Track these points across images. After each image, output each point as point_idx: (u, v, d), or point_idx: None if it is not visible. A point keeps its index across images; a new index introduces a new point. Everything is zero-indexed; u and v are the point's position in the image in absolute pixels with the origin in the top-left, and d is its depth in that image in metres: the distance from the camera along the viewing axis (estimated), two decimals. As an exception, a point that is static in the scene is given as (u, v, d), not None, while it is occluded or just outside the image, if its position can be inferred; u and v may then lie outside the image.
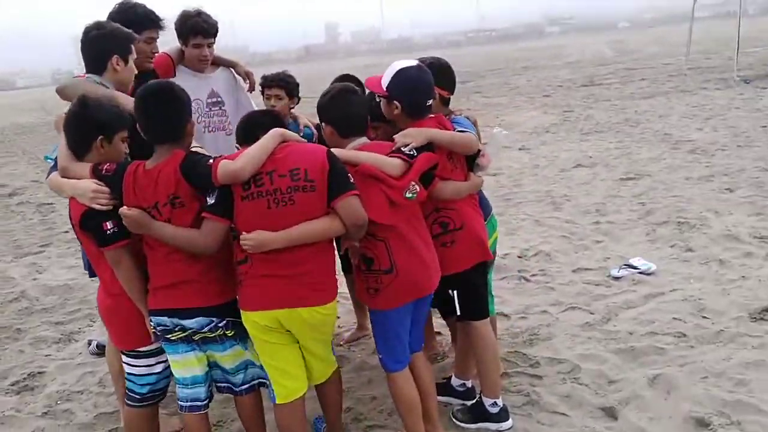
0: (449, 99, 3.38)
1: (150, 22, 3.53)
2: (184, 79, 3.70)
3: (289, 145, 2.69)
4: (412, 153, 2.86)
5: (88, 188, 2.63)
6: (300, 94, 4.01)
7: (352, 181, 2.67)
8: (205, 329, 2.71)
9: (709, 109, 13.11)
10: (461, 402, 3.49)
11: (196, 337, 2.73)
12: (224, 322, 2.73)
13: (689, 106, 13.72)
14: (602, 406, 3.40)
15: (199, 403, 2.89)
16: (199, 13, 3.84)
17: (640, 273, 5.13)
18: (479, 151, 3.28)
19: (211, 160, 2.58)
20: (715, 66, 20.75)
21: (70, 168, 2.75)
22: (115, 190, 2.64)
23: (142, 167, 2.65)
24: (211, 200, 2.57)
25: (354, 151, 2.87)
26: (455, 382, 3.57)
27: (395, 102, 3.01)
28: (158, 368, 2.95)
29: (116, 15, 3.42)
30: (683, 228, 6.15)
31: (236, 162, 2.57)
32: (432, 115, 3.11)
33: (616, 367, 3.76)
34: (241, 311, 2.72)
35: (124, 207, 2.59)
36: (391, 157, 2.84)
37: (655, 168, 8.73)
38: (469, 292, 3.17)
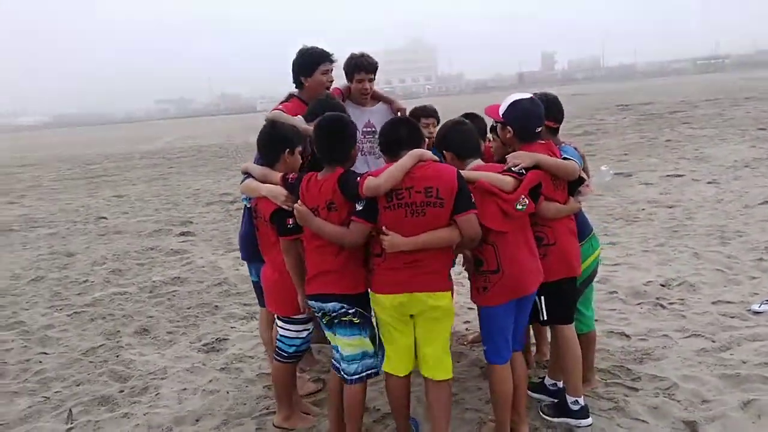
0: (557, 129, 3.84)
1: (322, 57, 4.37)
2: (347, 111, 4.57)
3: (427, 165, 3.26)
4: (521, 172, 3.38)
5: (282, 193, 3.48)
6: None
7: (473, 200, 3.23)
8: (337, 312, 3.38)
9: None
10: (551, 399, 3.88)
11: (337, 320, 3.39)
12: (353, 309, 3.38)
13: None
14: (686, 420, 3.59)
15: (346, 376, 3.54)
16: (362, 55, 4.66)
17: (784, 309, 5.03)
18: (583, 180, 3.71)
19: (359, 177, 3.26)
20: None
21: (271, 176, 3.62)
22: (295, 193, 3.44)
23: (314, 177, 3.43)
24: (359, 207, 3.24)
25: (475, 172, 3.43)
26: (548, 381, 3.97)
27: (509, 127, 3.58)
28: (303, 334, 3.77)
29: (299, 59, 4.36)
30: None
31: (377, 179, 3.21)
32: (542, 142, 3.61)
33: (716, 389, 3.89)
34: (372, 294, 3.37)
35: (298, 202, 3.39)
36: (504, 175, 3.39)
37: None
38: (553, 300, 3.59)
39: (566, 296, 3.63)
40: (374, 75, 4.68)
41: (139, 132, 59.65)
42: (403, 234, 3.16)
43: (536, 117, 3.57)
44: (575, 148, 3.81)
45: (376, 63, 4.69)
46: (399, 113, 4.82)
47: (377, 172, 3.24)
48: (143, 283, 7.38)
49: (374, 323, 3.45)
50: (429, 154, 3.30)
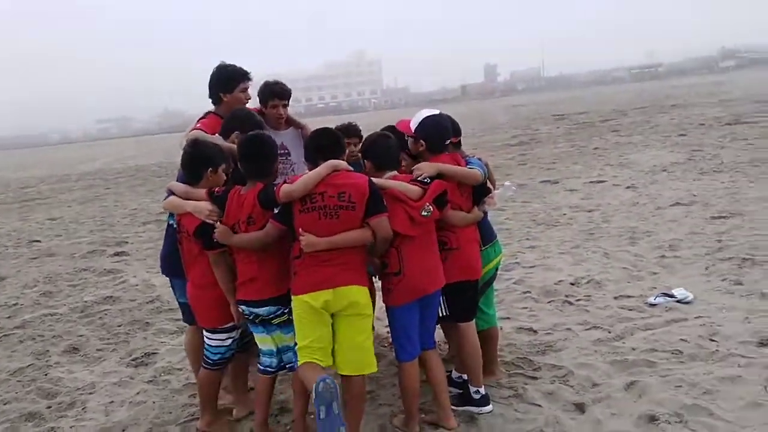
0: (459, 142, 4.20)
1: (241, 76, 4.56)
2: None
3: (341, 173, 3.55)
4: (425, 181, 3.69)
5: (206, 208, 3.68)
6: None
7: (384, 204, 3.53)
8: (273, 315, 3.65)
9: None
10: (458, 390, 4.18)
11: (275, 322, 3.67)
12: (287, 309, 3.65)
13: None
14: (575, 402, 3.95)
15: (269, 369, 3.83)
16: (276, 82, 4.86)
17: (676, 301, 5.47)
18: (489, 191, 4.06)
19: (275, 185, 3.55)
20: None
21: (192, 192, 3.83)
22: (221, 206, 3.66)
23: (238, 192, 3.68)
24: (276, 211, 3.53)
25: (386, 180, 3.73)
26: (454, 374, 4.29)
27: (421, 140, 3.89)
28: (227, 342, 3.95)
29: (216, 76, 4.53)
30: (745, 264, 6.31)
31: (292, 185, 3.49)
32: (448, 153, 3.94)
33: (605, 374, 4.27)
34: (293, 296, 3.57)
35: (218, 224, 3.62)
36: (411, 184, 3.69)
37: (754, 208, 8.68)
38: (453, 300, 3.90)
39: (465, 297, 3.93)
40: (288, 101, 4.92)
41: (77, 153, 58.32)
42: (318, 235, 3.42)
43: (445, 130, 3.94)
44: (479, 159, 4.15)
45: (290, 90, 4.91)
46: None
47: (293, 180, 3.52)
48: (74, 303, 7.41)
49: None
50: (344, 164, 3.58)
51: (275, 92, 4.78)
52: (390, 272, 3.65)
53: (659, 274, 6.37)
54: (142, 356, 5.56)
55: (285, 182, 3.56)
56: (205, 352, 3.99)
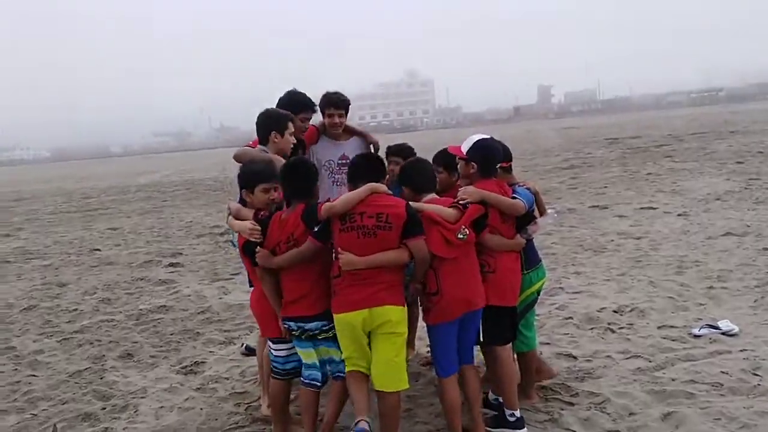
0: (510, 167, 4.32)
1: (305, 106, 4.90)
2: (323, 145, 5.12)
3: (380, 196, 3.73)
4: (465, 205, 3.83)
5: (247, 226, 3.89)
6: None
7: (422, 227, 3.68)
8: (320, 330, 3.84)
9: None
10: (493, 412, 4.25)
11: (320, 337, 3.86)
12: (332, 324, 3.81)
13: None
14: (610, 430, 3.98)
15: (316, 383, 4.00)
16: (335, 93, 5.13)
17: (721, 333, 5.42)
18: (534, 218, 4.17)
19: (317, 204, 3.76)
20: None
21: (241, 212, 4.07)
22: (263, 229, 3.86)
23: (280, 216, 3.89)
24: (316, 229, 3.72)
25: (425, 204, 3.88)
26: (491, 396, 4.36)
27: (472, 163, 4.03)
28: (294, 350, 4.08)
29: (283, 100, 4.85)
30: (797, 298, 6.19)
31: (332, 203, 3.70)
32: (496, 180, 4.07)
33: (642, 403, 4.27)
34: (335, 315, 3.75)
35: (258, 248, 3.83)
36: (450, 207, 3.83)
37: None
38: (490, 324, 3.99)
39: (501, 321, 4.02)
40: (345, 111, 5.13)
41: (136, 165, 60.30)
42: (357, 254, 3.59)
43: (496, 153, 4.10)
44: (528, 189, 4.25)
45: (347, 100, 5.17)
46: (372, 146, 5.27)
47: (333, 200, 3.73)
48: (130, 311, 7.76)
49: None
50: (383, 188, 3.76)
51: (332, 101, 5.03)
52: (429, 292, 3.78)
53: (706, 305, 6.30)
54: (192, 365, 5.81)
55: (327, 201, 3.76)
56: (273, 363, 4.16)
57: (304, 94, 5.03)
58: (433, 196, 3.96)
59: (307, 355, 3.98)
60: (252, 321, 6.91)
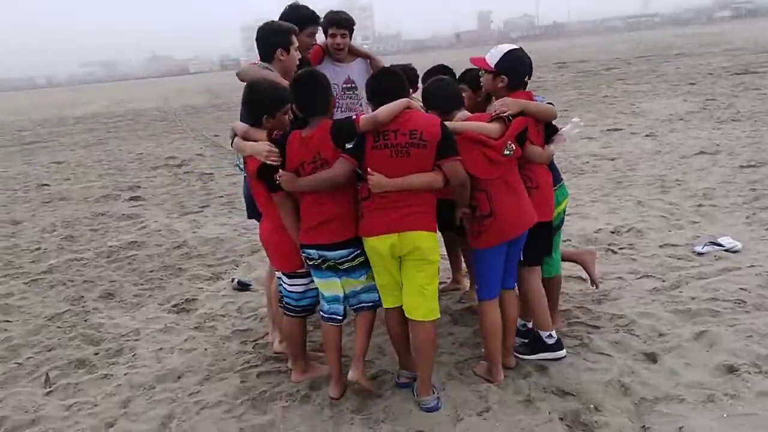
0: (527, 82, 4.02)
1: (311, 20, 4.39)
2: (326, 68, 4.62)
3: (412, 112, 3.41)
4: (509, 118, 3.55)
5: (263, 149, 3.50)
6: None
7: (456, 148, 3.37)
8: (344, 259, 3.52)
9: None
10: (521, 339, 4.11)
11: (343, 267, 3.55)
12: (358, 251, 3.53)
13: None
14: (645, 351, 3.88)
15: (337, 317, 3.72)
16: (338, 12, 4.67)
17: (724, 250, 5.40)
18: (557, 129, 3.90)
19: (353, 116, 3.40)
20: None
21: (251, 133, 3.65)
22: (281, 150, 3.50)
23: (299, 134, 3.51)
24: (349, 146, 3.38)
25: (460, 122, 3.57)
26: (518, 323, 4.20)
27: (502, 76, 3.69)
28: (312, 285, 3.80)
29: (286, 14, 4.33)
30: (788, 213, 6.24)
31: (375, 114, 3.35)
32: (522, 91, 3.77)
33: (670, 324, 4.20)
34: (363, 238, 3.49)
35: (280, 170, 3.45)
36: (491, 122, 3.53)
37: (782, 156, 8.59)
38: (533, 242, 3.78)
39: (541, 239, 3.84)
40: (348, 31, 4.69)
41: (67, 97, 57.24)
42: (389, 176, 3.30)
43: (527, 66, 3.75)
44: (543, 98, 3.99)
45: (351, 19, 4.72)
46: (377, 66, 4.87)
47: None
48: (99, 248, 7.28)
49: None
50: (416, 104, 3.44)
51: (334, 20, 4.59)
52: (481, 215, 3.52)
53: (700, 222, 6.28)
54: (183, 302, 5.46)
55: (360, 114, 3.42)
56: (286, 299, 3.85)
57: (308, 7, 4.54)
58: (465, 113, 3.66)
59: (329, 286, 3.69)
60: (236, 255, 6.59)
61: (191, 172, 11.64)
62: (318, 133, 3.42)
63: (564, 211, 4.19)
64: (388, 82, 3.49)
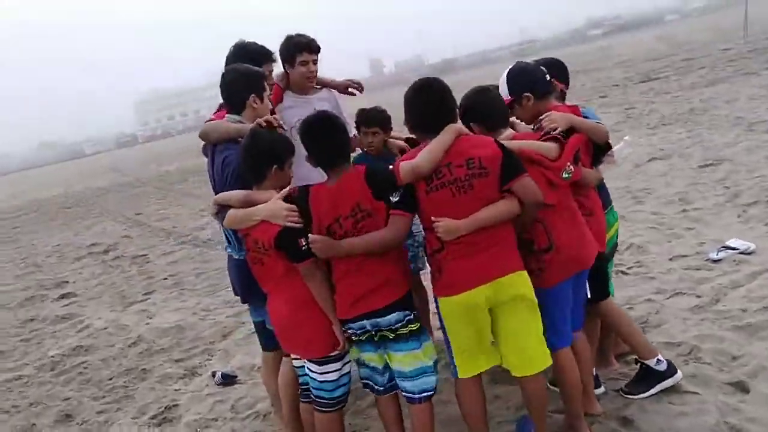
0: (565, 93, 3.57)
1: (265, 57, 3.77)
2: (289, 104, 4.05)
3: (462, 139, 2.89)
4: (562, 135, 3.05)
5: (282, 208, 2.88)
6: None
7: (522, 164, 2.87)
8: (400, 323, 2.91)
9: (776, 87, 12.78)
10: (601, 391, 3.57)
11: (394, 335, 2.92)
12: (412, 315, 2.94)
13: (756, 88, 13.39)
14: (730, 382, 3.42)
15: (378, 388, 3.13)
16: (300, 34, 4.05)
17: (740, 253, 5.10)
18: (609, 147, 3.44)
19: (390, 166, 2.85)
20: (775, 45, 20.17)
21: (256, 196, 3.01)
22: (302, 210, 2.89)
23: (324, 187, 2.93)
24: (395, 198, 2.81)
25: (514, 141, 3.05)
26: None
27: (525, 95, 3.21)
28: (346, 370, 3.17)
29: (236, 55, 3.69)
30: (775, 206, 6.06)
31: (414, 161, 2.80)
32: (567, 104, 3.34)
33: (736, 344, 3.77)
34: (444, 299, 2.91)
35: (312, 235, 2.85)
36: (545, 140, 3.03)
37: (732, 152, 8.59)
38: (598, 275, 3.32)
39: (603, 270, 3.40)
40: (318, 55, 4.10)
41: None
42: (454, 215, 2.79)
43: (535, 68, 3.32)
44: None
45: (318, 45, 4.13)
46: (351, 90, 4.32)
47: (409, 157, 2.85)
48: (39, 361, 6.23)
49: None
50: (465, 129, 2.95)
51: (304, 45, 3.95)
52: (539, 249, 3.00)
53: (695, 228, 6.00)
54: (162, 411, 4.59)
55: (401, 160, 2.88)
56: (316, 392, 3.16)
57: (255, 43, 3.91)
58: (510, 132, 3.16)
59: (374, 358, 3.08)
60: (205, 343, 5.78)
61: (122, 257, 10.59)
62: (351, 182, 2.86)
63: (616, 236, 3.75)
64: (428, 103, 2.94)
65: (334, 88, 4.31)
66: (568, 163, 2.99)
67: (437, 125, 2.89)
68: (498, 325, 2.93)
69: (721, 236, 5.56)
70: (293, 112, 3.99)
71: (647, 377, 3.43)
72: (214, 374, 4.96)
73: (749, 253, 5.08)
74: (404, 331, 2.92)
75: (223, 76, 3.39)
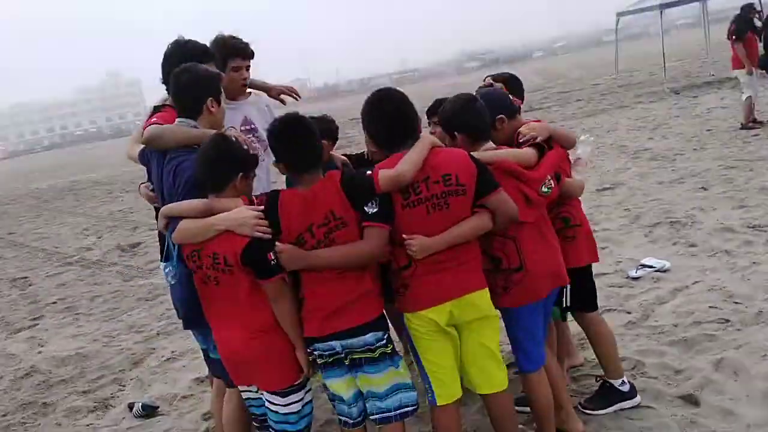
0: (521, 108, 3.53)
1: (207, 56, 3.38)
2: None
3: (437, 152, 2.77)
4: (544, 145, 3.03)
5: (250, 216, 2.61)
6: None
7: (495, 179, 2.78)
8: (376, 344, 2.71)
9: (652, 120, 13.78)
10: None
11: (370, 355, 2.72)
12: (387, 335, 2.76)
13: (632, 119, 14.41)
14: (680, 395, 3.51)
15: (350, 421, 2.90)
16: (235, 37, 3.74)
17: (656, 271, 5.35)
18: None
19: (368, 172, 2.66)
20: (641, 82, 21.86)
21: (218, 204, 2.71)
22: (271, 218, 2.65)
23: (295, 193, 2.72)
24: (372, 209, 2.63)
25: (490, 151, 2.98)
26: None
27: (499, 117, 3.13)
28: (309, 396, 2.94)
29: (173, 56, 3.35)
30: (677, 226, 6.45)
31: (398, 168, 2.64)
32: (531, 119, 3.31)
33: (677, 358, 3.91)
34: (409, 315, 2.79)
35: (279, 243, 2.62)
36: (525, 148, 2.99)
37: (625, 177, 9.12)
38: (582, 286, 3.35)
39: (591, 281, 3.45)
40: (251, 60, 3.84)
41: None
42: (426, 233, 2.67)
43: (501, 93, 3.31)
44: None
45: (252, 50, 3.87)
46: (283, 95, 4.11)
47: (386, 165, 2.68)
48: None
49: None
50: (438, 141, 2.84)
51: (239, 49, 3.67)
52: (507, 268, 2.93)
53: (609, 247, 6.24)
54: (75, 450, 4.13)
55: (379, 168, 2.71)
56: (279, 426, 2.88)
57: (195, 41, 3.53)
58: (491, 144, 3.08)
59: (342, 386, 2.86)
60: (113, 371, 5.32)
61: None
62: (325, 188, 2.68)
63: None
64: (405, 117, 2.80)
65: (266, 92, 4.09)
66: (549, 177, 2.97)
67: (407, 136, 2.78)
68: (462, 343, 2.85)
69: (634, 255, 5.83)
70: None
71: (608, 395, 3.46)
72: (131, 406, 4.52)
73: (665, 271, 5.34)
74: (375, 354, 2.74)
75: (177, 76, 3.07)
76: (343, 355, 2.75)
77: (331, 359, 2.78)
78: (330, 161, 3.89)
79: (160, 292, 7.33)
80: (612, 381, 3.44)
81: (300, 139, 2.72)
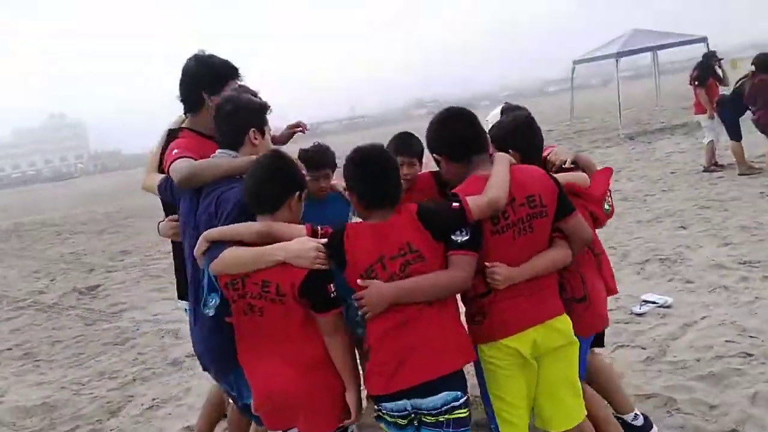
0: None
1: (233, 72, 3.12)
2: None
3: (515, 170, 2.60)
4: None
5: (311, 248, 2.36)
6: None
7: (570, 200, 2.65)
8: (448, 406, 2.40)
9: (612, 164, 13.99)
10: None
11: (439, 419, 2.41)
12: (465, 396, 2.46)
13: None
14: (722, 431, 3.35)
15: None
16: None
17: (660, 306, 5.26)
18: None
19: (455, 203, 2.43)
20: (595, 128, 22.43)
21: (279, 229, 2.46)
22: (336, 252, 2.42)
23: (366, 224, 2.49)
24: (462, 238, 2.41)
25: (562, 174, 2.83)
26: None
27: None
28: None
29: (199, 72, 3.06)
30: (668, 263, 6.41)
31: (490, 193, 2.44)
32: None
33: (709, 393, 3.76)
34: (484, 346, 2.56)
35: (361, 280, 2.39)
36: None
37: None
38: None
39: None
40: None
41: None
42: (510, 260, 2.49)
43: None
44: None
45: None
46: (298, 127, 3.89)
47: (468, 189, 2.47)
48: None
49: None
50: (511, 157, 2.67)
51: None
52: (572, 298, 2.76)
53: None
54: None
55: (463, 196, 2.49)
56: None
57: (218, 57, 3.22)
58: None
59: None
60: (90, 421, 4.88)
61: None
62: (401, 219, 2.44)
63: None
64: (467, 132, 2.64)
65: (277, 144, 3.81)
66: (608, 196, 2.84)
67: (479, 151, 2.62)
68: (541, 375, 2.63)
69: (633, 291, 5.73)
70: None
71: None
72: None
73: (668, 306, 5.25)
74: (450, 417, 2.42)
75: (220, 106, 2.83)
76: (413, 415, 2.46)
77: (405, 420, 2.48)
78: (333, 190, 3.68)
79: (129, 336, 6.88)
80: (624, 416, 3.27)
81: (381, 172, 2.49)
